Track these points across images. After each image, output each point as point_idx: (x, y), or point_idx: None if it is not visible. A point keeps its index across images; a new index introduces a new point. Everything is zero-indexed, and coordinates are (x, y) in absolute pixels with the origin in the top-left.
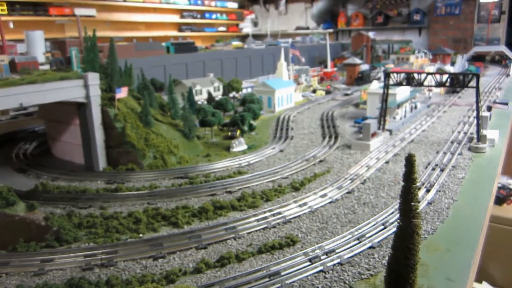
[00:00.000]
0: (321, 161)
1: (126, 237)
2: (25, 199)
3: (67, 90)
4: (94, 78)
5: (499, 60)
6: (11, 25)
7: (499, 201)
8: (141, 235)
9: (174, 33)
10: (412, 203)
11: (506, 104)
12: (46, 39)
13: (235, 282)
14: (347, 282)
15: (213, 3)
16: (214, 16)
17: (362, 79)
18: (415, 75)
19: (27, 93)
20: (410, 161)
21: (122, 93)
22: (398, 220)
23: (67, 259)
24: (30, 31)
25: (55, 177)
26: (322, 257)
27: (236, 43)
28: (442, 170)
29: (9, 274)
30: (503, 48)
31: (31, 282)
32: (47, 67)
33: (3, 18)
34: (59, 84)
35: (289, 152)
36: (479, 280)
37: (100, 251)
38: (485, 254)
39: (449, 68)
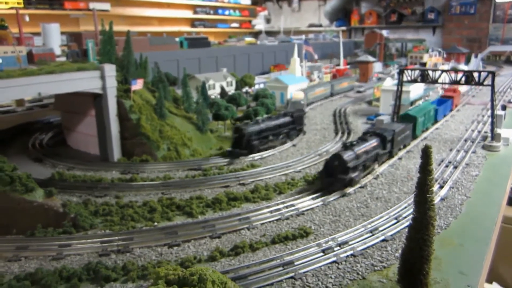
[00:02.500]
0: None
1: (142, 225)
2: (42, 187)
3: (84, 81)
4: (110, 70)
5: None
6: (27, 18)
7: None
8: (156, 223)
9: (187, 28)
10: (428, 195)
11: None
12: (62, 33)
13: (249, 270)
14: (360, 273)
15: None
16: (227, 12)
17: (239, 146)
18: (430, 73)
19: (46, 83)
20: (426, 153)
21: (137, 85)
22: (413, 212)
23: (84, 245)
24: (47, 24)
25: (71, 167)
26: (335, 249)
27: (249, 39)
28: (455, 167)
29: (28, 258)
30: None
31: (50, 266)
32: (63, 59)
33: (19, 11)
34: (76, 75)
35: (302, 147)
36: (489, 280)
37: (116, 237)
38: (496, 255)
39: (463, 67)
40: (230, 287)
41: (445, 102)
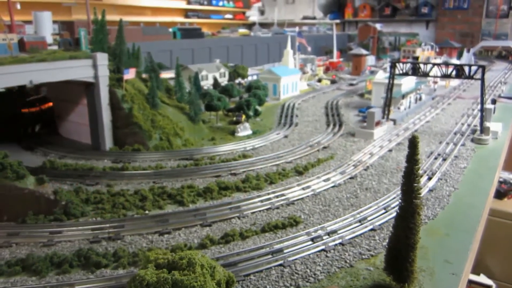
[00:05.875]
0: (325, 147)
1: (133, 213)
2: (33, 175)
3: (76, 70)
4: (103, 59)
5: (506, 56)
6: (18, 6)
7: (500, 195)
8: (147, 211)
9: (181, 19)
10: (414, 184)
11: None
12: (54, 22)
13: (239, 258)
14: (348, 261)
15: None
16: (220, 3)
17: None
18: (421, 66)
19: (37, 70)
20: (413, 143)
21: (130, 74)
22: (400, 200)
23: (75, 232)
24: (38, 12)
25: (62, 155)
26: (324, 237)
27: (242, 30)
28: (444, 160)
29: (19, 244)
30: (510, 43)
31: (41, 252)
32: (55, 47)
33: None
34: (68, 63)
35: (294, 138)
36: (477, 272)
37: (108, 225)
38: (483, 247)
39: (455, 61)
40: (219, 272)
41: None
